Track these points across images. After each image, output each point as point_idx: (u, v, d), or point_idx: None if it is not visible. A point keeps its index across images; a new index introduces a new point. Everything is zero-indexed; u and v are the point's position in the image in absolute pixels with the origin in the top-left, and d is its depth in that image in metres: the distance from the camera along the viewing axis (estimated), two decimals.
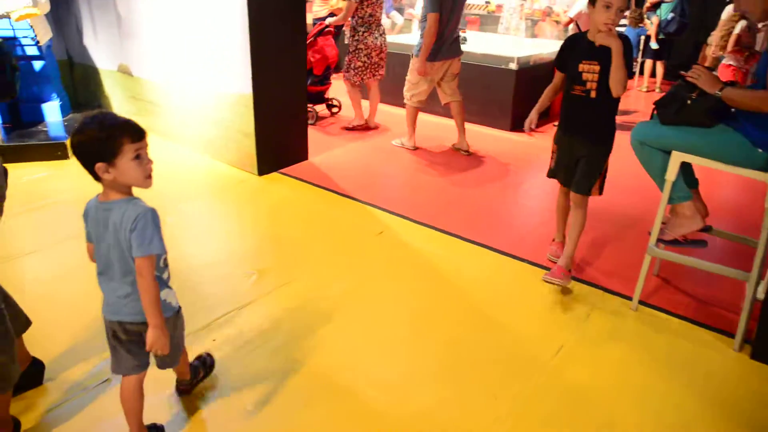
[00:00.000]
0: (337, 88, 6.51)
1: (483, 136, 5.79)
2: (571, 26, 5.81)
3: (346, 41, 5.66)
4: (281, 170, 4.51)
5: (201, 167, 4.57)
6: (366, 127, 5.80)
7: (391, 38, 7.21)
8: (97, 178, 1.62)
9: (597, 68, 2.66)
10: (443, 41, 4.74)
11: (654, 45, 8.10)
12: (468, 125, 6.01)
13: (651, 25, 7.97)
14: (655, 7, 8.06)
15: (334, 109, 6.43)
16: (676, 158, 2.52)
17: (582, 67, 2.70)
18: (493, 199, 4.18)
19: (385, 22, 9.70)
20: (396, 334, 2.59)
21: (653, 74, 8.58)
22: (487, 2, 10.45)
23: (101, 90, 5.79)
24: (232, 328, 2.55)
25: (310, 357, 2.39)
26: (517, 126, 6.04)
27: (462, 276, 3.09)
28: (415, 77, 4.91)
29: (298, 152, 4.73)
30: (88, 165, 1.59)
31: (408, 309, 2.77)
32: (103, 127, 1.57)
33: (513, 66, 5.78)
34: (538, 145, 5.54)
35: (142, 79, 5.20)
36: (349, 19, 5.49)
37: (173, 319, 1.80)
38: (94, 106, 5.79)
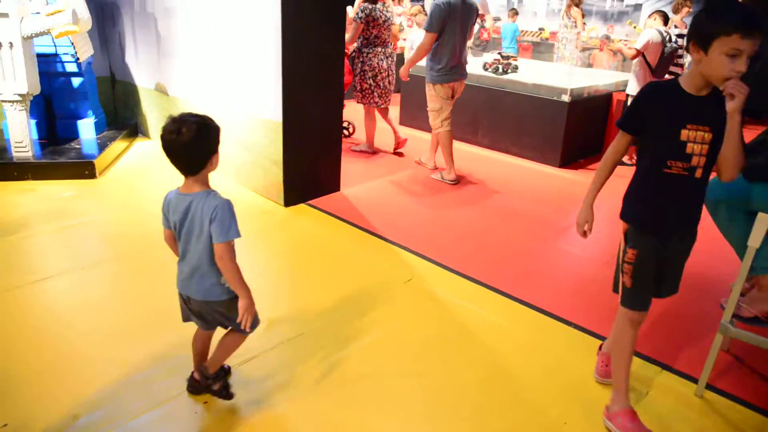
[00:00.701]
0: (354, 111, 6.28)
1: (530, 173, 5.40)
2: (637, 61, 5.31)
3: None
4: (310, 202, 4.25)
5: (226, 193, 4.34)
6: (374, 153, 5.66)
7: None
8: (195, 170, 1.79)
9: (708, 136, 1.82)
10: (456, 63, 4.58)
11: None
12: (514, 160, 5.68)
13: None
14: None
15: (347, 131, 6.23)
16: (763, 222, 2.09)
17: (687, 134, 1.83)
18: (535, 245, 3.78)
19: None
20: (413, 410, 2.23)
21: None
22: (540, 29, 10.10)
23: (139, 108, 5.72)
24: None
25: None
26: (567, 162, 5.63)
27: (495, 339, 2.71)
28: (436, 104, 4.73)
29: (330, 183, 4.46)
30: (206, 155, 1.78)
31: (431, 379, 2.41)
32: (211, 120, 1.80)
33: (565, 98, 5.39)
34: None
35: (178, 99, 5.08)
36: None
37: (229, 301, 1.94)
38: (131, 124, 5.72)
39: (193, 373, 2.14)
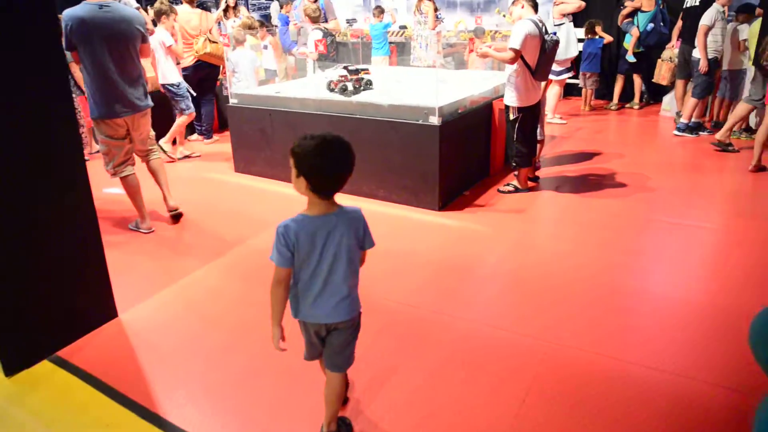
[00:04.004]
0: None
1: (402, 222, 4.09)
2: (515, 67, 4.13)
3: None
4: (61, 352, 2.65)
5: None
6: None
7: (266, 88, 5.48)
8: (333, 193, 1.77)
9: None
10: (117, 92, 3.66)
11: (631, 58, 7.31)
12: (383, 206, 4.36)
13: (630, 37, 7.29)
14: (631, 15, 7.28)
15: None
16: None
17: None
18: (408, 387, 2.44)
19: (288, 59, 8.06)
20: None
21: (624, 90, 7.70)
22: (402, 27, 8.88)
23: None
24: None
25: None
26: (448, 201, 4.39)
27: None
28: (102, 145, 3.83)
29: (97, 311, 2.87)
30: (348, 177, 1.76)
31: None
32: None
33: (434, 120, 4.13)
34: (482, 234, 3.88)
35: None
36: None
37: (358, 319, 1.94)
38: None
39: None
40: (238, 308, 3.02)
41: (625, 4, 7.21)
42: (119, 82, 3.65)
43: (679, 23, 6.83)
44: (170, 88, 5.50)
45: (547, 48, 4.10)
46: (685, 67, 6.50)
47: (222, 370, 2.51)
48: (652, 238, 3.78)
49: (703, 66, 5.92)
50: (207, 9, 6.37)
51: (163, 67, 5.43)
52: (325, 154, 1.70)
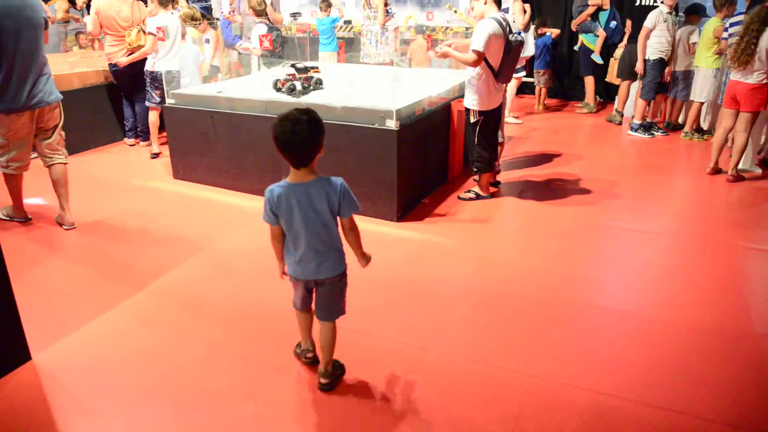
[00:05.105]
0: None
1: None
2: (477, 70, 3.88)
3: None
4: None
5: None
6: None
7: (207, 87, 5.03)
8: (309, 161, 2.00)
9: None
10: (24, 82, 3.41)
11: (598, 59, 7.15)
12: None
13: (593, 37, 7.15)
14: (593, 17, 7.12)
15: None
16: None
17: None
18: None
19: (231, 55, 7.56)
20: None
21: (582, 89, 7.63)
22: (347, 23, 8.51)
23: None
24: None
25: None
26: (407, 210, 4.12)
27: None
28: (1, 137, 3.55)
29: (5, 355, 2.44)
30: (318, 147, 1.99)
31: None
32: (315, 113, 2.03)
33: (392, 124, 3.84)
34: (445, 247, 3.62)
35: None
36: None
37: (342, 276, 2.21)
38: None
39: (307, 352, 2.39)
40: (179, 343, 2.64)
41: (589, 3, 7.06)
42: (28, 73, 3.42)
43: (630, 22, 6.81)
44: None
45: (511, 49, 3.88)
46: (629, 67, 6.40)
47: (160, 424, 2.14)
48: (619, 248, 3.64)
49: (638, 67, 5.97)
50: None
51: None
52: (277, 131, 1.93)
